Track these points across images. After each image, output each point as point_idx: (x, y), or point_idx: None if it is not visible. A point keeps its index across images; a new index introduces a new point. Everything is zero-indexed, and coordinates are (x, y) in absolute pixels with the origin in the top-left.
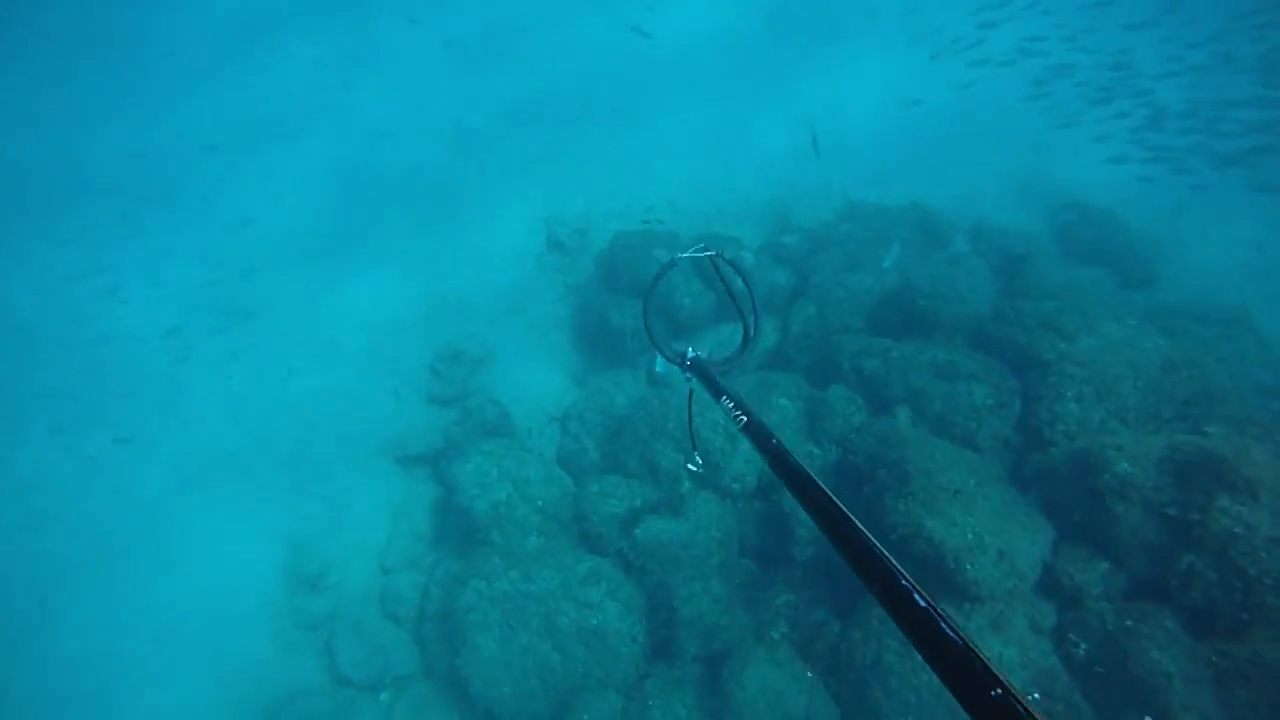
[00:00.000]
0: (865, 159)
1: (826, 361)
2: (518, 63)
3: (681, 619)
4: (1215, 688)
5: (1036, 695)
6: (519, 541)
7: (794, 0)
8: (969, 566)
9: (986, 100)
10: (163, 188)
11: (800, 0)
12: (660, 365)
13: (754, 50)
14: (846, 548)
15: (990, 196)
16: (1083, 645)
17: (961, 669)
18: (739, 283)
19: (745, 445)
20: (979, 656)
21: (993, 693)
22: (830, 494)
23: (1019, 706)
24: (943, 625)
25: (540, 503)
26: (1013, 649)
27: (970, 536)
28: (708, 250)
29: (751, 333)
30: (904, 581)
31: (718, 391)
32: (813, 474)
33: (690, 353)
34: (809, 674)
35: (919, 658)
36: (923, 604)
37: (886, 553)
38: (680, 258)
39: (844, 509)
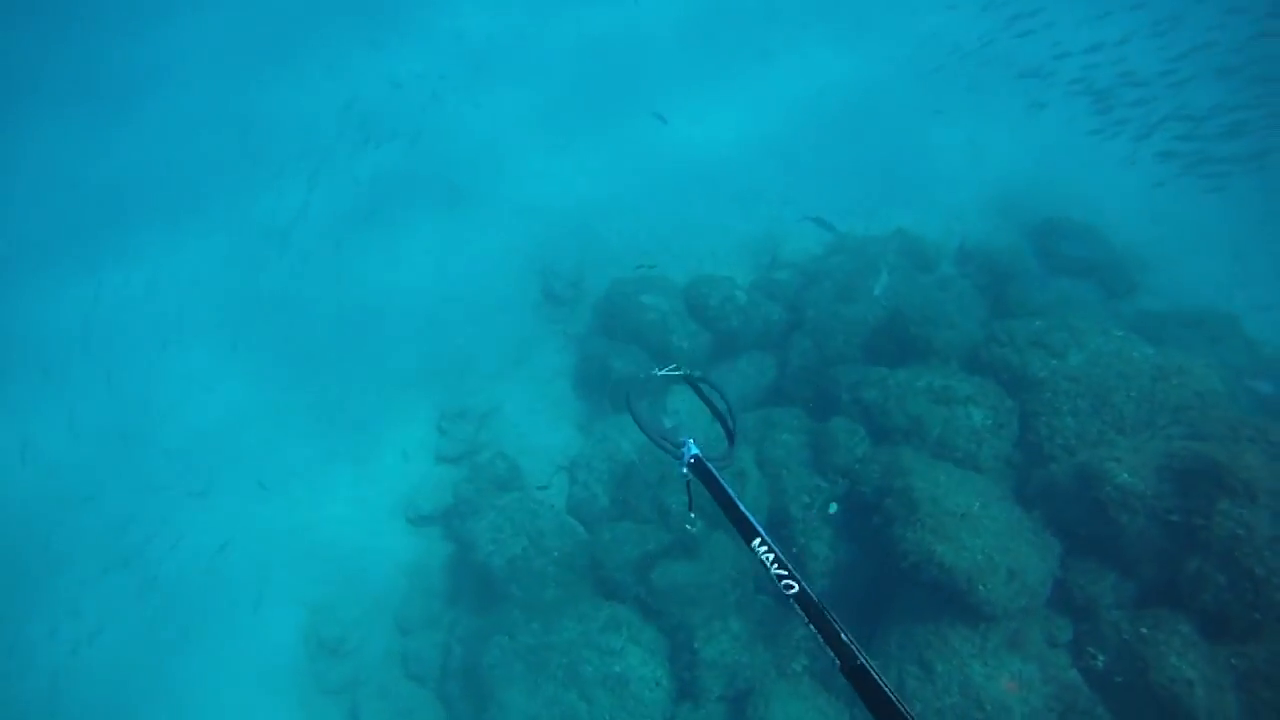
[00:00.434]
0: (849, 190)
1: (825, 394)
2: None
3: (703, 659)
4: (1238, 692)
5: None
6: (538, 593)
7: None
8: (981, 588)
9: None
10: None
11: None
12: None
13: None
14: None
15: (974, 216)
16: (1100, 657)
17: None
18: (701, 387)
19: (752, 486)
20: None
21: None
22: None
23: None
24: None
25: (556, 553)
26: (1031, 665)
27: (980, 558)
28: (677, 369)
29: (734, 437)
30: None
31: (742, 526)
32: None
33: (691, 449)
34: (832, 703)
35: (941, 682)
36: None
37: None
38: (656, 374)
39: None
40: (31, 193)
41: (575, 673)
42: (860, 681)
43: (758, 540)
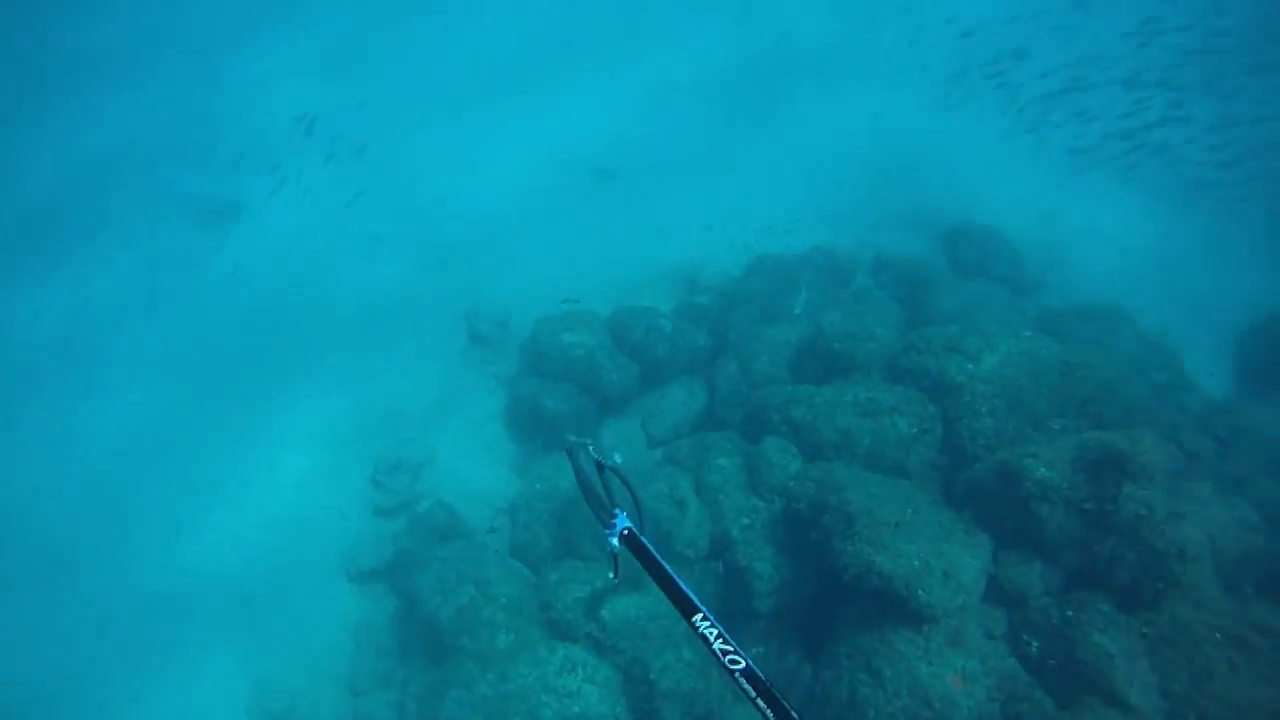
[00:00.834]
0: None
1: (756, 416)
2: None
3: (660, 690)
4: (1149, 656)
5: None
6: (489, 642)
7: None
8: (920, 592)
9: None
10: None
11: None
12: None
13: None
14: None
15: (886, 228)
16: (1034, 643)
17: None
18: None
19: (692, 513)
20: None
21: None
22: None
23: None
24: None
25: (504, 599)
26: (974, 660)
27: (916, 563)
28: (590, 447)
29: (642, 521)
30: None
31: (681, 602)
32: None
33: (623, 520)
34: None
35: (892, 687)
36: None
37: None
38: (579, 443)
39: None
40: None
41: (535, 718)
42: None
43: (699, 615)
